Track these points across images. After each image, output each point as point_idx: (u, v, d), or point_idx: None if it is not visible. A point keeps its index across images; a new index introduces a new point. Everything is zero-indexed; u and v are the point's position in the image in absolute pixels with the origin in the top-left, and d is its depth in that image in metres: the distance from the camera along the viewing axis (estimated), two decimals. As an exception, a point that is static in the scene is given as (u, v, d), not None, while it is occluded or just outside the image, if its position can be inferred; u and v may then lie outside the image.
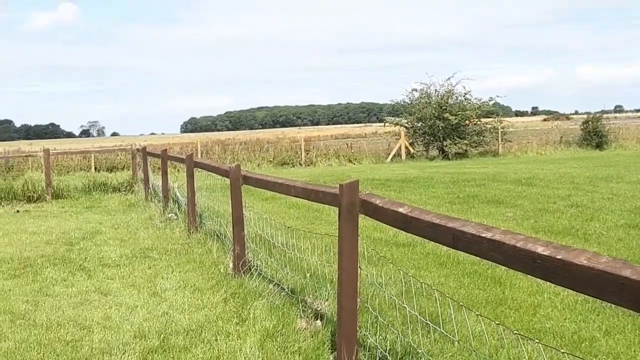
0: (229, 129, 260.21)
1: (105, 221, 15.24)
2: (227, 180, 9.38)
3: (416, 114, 39.00)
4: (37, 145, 57.76)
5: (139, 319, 7.25)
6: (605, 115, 53.29)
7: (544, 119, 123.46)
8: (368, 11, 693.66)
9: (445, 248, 9.12)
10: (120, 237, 12.74)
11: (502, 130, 39.36)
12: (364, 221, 5.33)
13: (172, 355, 6.05)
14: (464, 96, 38.65)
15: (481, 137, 38.75)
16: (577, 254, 2.88)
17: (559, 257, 2.93)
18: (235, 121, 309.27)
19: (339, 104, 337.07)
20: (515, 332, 4.77)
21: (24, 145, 68.73)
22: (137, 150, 23.37)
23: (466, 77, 42.76)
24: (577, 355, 5.37)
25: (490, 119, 39.71)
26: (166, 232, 12.95)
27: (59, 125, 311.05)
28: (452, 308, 5.86)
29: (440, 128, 37.42)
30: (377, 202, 4.97)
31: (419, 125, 39.11)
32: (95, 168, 35.91)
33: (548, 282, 3.20)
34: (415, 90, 40.04)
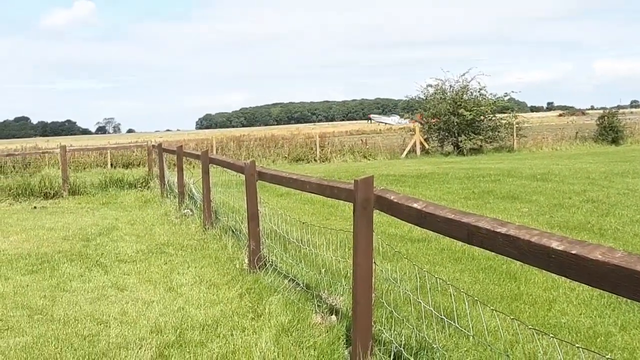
0: (244, 125, 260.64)
1: (121, 217, 15.32)
2: (242, 177, 9.41)
3: (431, 110, 38.93)
4: (53, 142, 58.05)
5: (155, 314, 7.29)
6: (621, 111, 53.11)
7: (560, 115, 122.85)
8: (384, 7, 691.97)
9: (460, 243, 9.09)
10: (136, 233, 12.81)
11: (517, 125, 39.20)
12: (378, 217, 5.34)
13: (188, 350, 6.08)
14: (478, 92, 38.57)
15: (496, 133, 38.63)
16: (592, 248, 2.88)
17: (573, 252, 2.93)
18: (250, 117, 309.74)
19: (354, 100, 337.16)
20: (530, 327, 4.77)
21: (41, 142, 69.09)
22: (153, 146, 23.47)
23: (481, 72, 42.67)
24: (592, 350, 5.36)
25: (505, 115, 39.55)
26: (182, 228, 13.01)
27: (75, 122, 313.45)
28: (467, 303, 5.86)
29: (455, 124, 37.34)
30: (392, 197, 4.97)
31: (434, 121, 39.03)
32: (112, 164, 36.04)
33: (563, 277, 3.20)
34: (430, 86, 40.01)
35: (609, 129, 40.73)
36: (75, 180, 22.05)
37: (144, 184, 21.97)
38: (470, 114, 36.88)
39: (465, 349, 5.58)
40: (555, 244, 3.05)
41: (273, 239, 9.31)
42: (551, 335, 4.51)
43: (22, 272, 9.71)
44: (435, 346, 5.24)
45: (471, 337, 5.41)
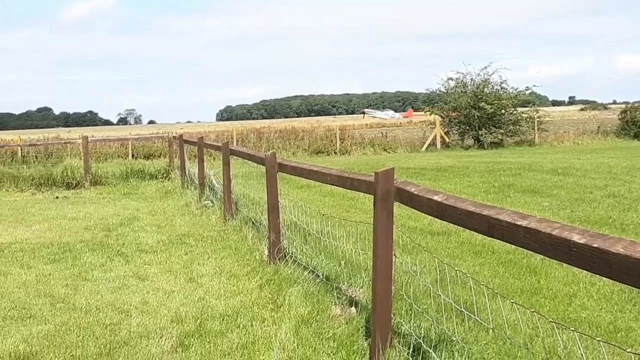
0: (264, 118, 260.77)
1: (142, 208, 15.42)
2: (263, 168, 9.44)
3: (451, 103, 38.80)
4: (75, 133, 58.40)
5: (176, 304, 7.35)
6: (643, 105, 52.51)
7: (581, 109, 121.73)
8: (405, 1, 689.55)
9: (480, 237, 9.09)
10: (157, 224, 12.89)
11: (538, 119, 38.98)
12: (398, 209, 5.35)
13: (208, 340, 6.12)
14: (500, 85, 38.42)
15: (517, 127, 38.45)
16: (614, 242, 2.87)
17: (595, 245, 2.92)
18: (271, 109, 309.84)
19: (374, 92, 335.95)
20: (551, 320, 4.76)
21: (63, 133, 69.45)
22: (174, 137, 23.56)
23: (502, 66, 42.31)
24: (613, 344, 5.34)
25: (527, 109, 39.37)
26: (202, 219, 13.08)
27: (97, 113, 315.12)
28: (486, 296, 5.85)
29: (476, 117, 37.20)
30: (413, 190, 4.98)
31: (454, 114, 38.90)
32: (133, 155, 36.24)
33: (584, 271, 3.20)
34: (451, 79, 39.87)
35: (632, 124, 40.36)
36: (97, 171, 22.25)
37: (164, 175, 22.09)
38: (491, 108, 36.73)
39: (484, 342, 5.58)
40: (576, 237, 3.04)
41: (293, 230, 9.34)
42: (572, 329, 4.50)
43: (44, 261, 9.81)
44: (454, 339, 5.24)
45: (491, 330, 5.40)
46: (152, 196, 17.99)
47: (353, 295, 6.84)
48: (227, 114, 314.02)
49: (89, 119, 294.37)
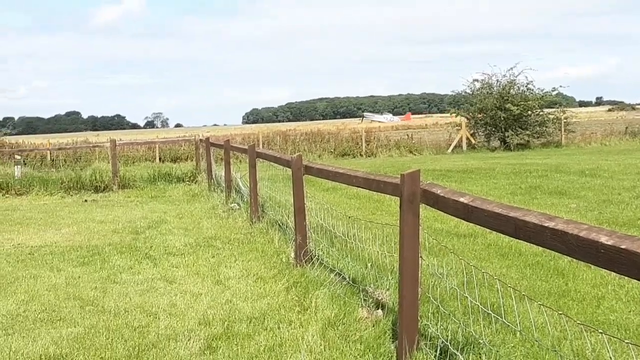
0: (290, 120, 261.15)
1: (169, 211, 15.53)
2: (289, 171, 9.46)
3: (477, 105, 38.65)
4: (103, 136, 58.96)
5: (204, 306, 7.39)
6: (673, 106, 51.88)
7: (609, 109, 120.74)
8: (430, 2, 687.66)
9: (507, 239, 9.05)
10: (184, 227, 12.97)
11: (565, 120, 38.69)
12: (424, 211, 5.34)
13: (235, 343, 6.15)
14: (526, 86, 38.24)
15: (544, 128, 38.21)
16: (642, 244, 2.86)
17: (623, 246, 2.91)
18: (296, 112, 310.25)
19: (400, 94, 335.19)
20: (579, 322, 4.73)
21: (92, 136, 70.14)
22: (201, 141, 23.69)
23: (529, 67, 42.10)
24: (641, 347, 5.30)
25: (553, 110, 39.10)
26: (229, 222, 13.14)
27: (124, 117, 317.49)
28: (514, 299, 5.83)
29: (502, 119, 37.03)
30: (439, 191, 4.98)
31: (480, 116, 38.74)
32: (160, 158, 36.52)
33: (612, 273, 3.18)
34: (477, 80, 39.76)
35: (661, 124, 39.95)
36: (125, 174, 22.42)
37: (191, 178, 22.20)
38: (518, 109, 36.55)
39: (512, 344, 5.56)
40: (604, 239, 3.03)
41: (319, 233, 9.35)
42: (600, 331, 4.47)
43: (73, 264, 9.92)
44: (482, 341, 5.23)
45: (518, 332, 5.38)
46: (179, 199, 18.10)
47: (380, 298, 6.84)
48: (253, 117, 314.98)
49: (116, 123, 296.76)
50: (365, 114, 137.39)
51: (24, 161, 26.95)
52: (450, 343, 5.30)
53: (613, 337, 5.26)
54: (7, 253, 10.89)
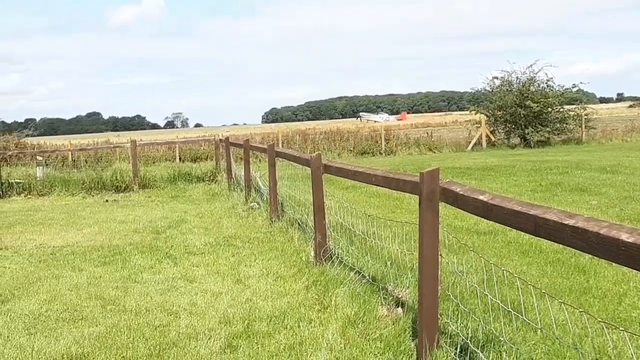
0: (309, 119, 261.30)
1: (190, 210, 15.60)
2: (308, 170, 9.47)
3: (497, 102, 38.47)
4: (124, 137, 59.24)
5: (224, 305, 7.42)
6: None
7: (630, 105, 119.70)
8: (449, 0, 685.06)
9: (527, 236, 9.00)
10: (204, 226, 13.03)
11: (585, 117, 38.40)
12: (444, 209, 5.34)
13: (256, 341, 6.17)
14: (546, 83, 37.96)
15: (564, 125, 37.93)
16: (663, 240, 2.84)
17: (643, 244, 2.89)
18: (316, 111, 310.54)
19: (419, 92, 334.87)
20: (600, 320, 4.71)
21: (112, 137, 70.52)
22: (220, 140, 23.75)
23: (548, 63, 41.70)
24: (664, 345, 5.27)
25: (574, 106, 38.80)
26: (249, 221, 13.17)
27: (144, 117, 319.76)
28: (534, 296, 5.81)
29: (522, 116, 36.83)
30: (458, 190, 4.97)
31: (500, 113, 38.56)
32: (180, 158, 36.63)
33: (634, 270, 3.16)
34: (497, 78, 39.50)
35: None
36: (145, 174, 22.53)
37: (211, 177, 22.29)
38: (538, 106, 36.32)
39: (533, 342, 5.54)
40: (624, 236, 3.01)
41: (339, 231, 9.36)
42: (622, 328, 4.45)
43: (95, 264, 9.99)
44: (502, 339, 5.22)
45: (539, 330, 5.36)
46: (199, 199, 18.17)
47: (399, 296, 6.84)
48: (273, 116, 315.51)
49: (137, 123, 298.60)
50: (361, 113, 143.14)
51: (45, 162, 27.15)
52: (470, 341, 5.29)
53: (635, 334, 5.23)
54: (29, 253, 10.99)
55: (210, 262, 9.71)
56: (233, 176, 19.51)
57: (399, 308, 6.56)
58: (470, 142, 38.15)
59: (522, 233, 4.20)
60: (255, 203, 14.89)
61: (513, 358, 5.08)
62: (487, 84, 40.27)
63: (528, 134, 36.94)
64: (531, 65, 37.99)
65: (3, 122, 46.63)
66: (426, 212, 5.23)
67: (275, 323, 6.67)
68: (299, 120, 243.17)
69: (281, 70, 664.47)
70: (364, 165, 8.26)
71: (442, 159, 29.31)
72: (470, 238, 10.12)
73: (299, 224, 11.35)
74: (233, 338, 6.30)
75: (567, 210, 3.73)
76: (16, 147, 34.76)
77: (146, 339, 6.40)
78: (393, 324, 6.22)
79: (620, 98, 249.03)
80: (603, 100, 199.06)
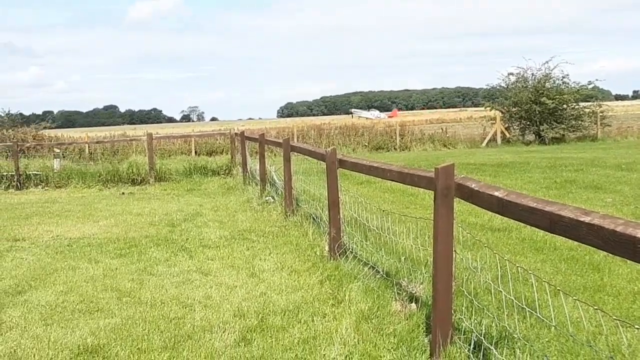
0: (324, 114, 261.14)
1: (205, 204, 15.65)
2: (323, 164, 9.49)
3: (512, 98, 38.35)
4: (140, 130, 59.44)
5: (238, 298, 7.46)
6: None
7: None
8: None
9: (541, 233, 9.00)
10: (219, 219, 13.07)
11: (601, 114, 38.20)
12: (458, 205, 5.34)
13: (270, 335, 6.20)
14: (561, 80, 37.83)
15: (579, 122, 37.75)
16: (678, 239, 2.84)
17: (659, 242, 2.89)
18: (331, 106, 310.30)
19: (434, 88, 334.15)
20: (615, 318, 4.70)
21: (129, 130, 70.74)
22: (236, 134, 23.79)
23: (564, 60, 41.46)
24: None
25: (589, 103, 38.63)
26: (264, 215, 13.21)
27: (161, 111, 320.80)
28: (548, 293, 5.81)
29: (537, 112, 36.71)
30: (473, 185, 4.97)
31: (515, 109, 38.43)
32: (196, 152, 36.74)
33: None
34: (512, 74, 39.44)
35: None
36: (161, 167, 22.62)
37: (227, 171, 22.34)
38: (553, 103, 36.21)
39: (546, 339, 5.55)
40: (641, 234, 3.01)
41: (353, 226, 9.37)
42: (636, 326, 4.45)
43: (111, 256, 10.06)
44: (516, 336, 5.23)
45: (553, 327, 5.36)
46: (214, 192, 18.24)
47: (413, 291, 6.85)
48: (288, 111, 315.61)
49: (153, 117, 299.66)
50: (353, 110, 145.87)
51: (63, 154, 27.37)
52: (484, 337, 5.30)
53: (649, 332, 5.22)
54: (46, 245, 11.08)
55: (225, 256, 9.75)
56: (248, 170, 19.56)
57: (413, 303, 6.57)
58: (485, 139, 38.07)
59: (537, 230, 4.21)
60: (270, 197, 14.92)
61: (527, 355, 5.08)
62: (503, 80, 40.25)
63: (543, 130, 36.81)
64: (547, 62, 37.94)
65: (21, 114, 46.59)
66: (441, 207, 5.24)
67: (289, 317, 6.70)
68: (314, 115, 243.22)
69: (297, 65, 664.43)
70: (378, 160, 8.26)
71: (457, 155, 29.25)
72: (485, 234, 10.11)
73: (313, 219, 11.37)
74: (247, 331, 6.33)
75: (583, 208, 3.73)
76: (34, 139, 34.96)
77: (161, 331, 6.45)
78: (407, 320, 6.24)
79: (636, 95, 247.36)
80: (619, 98, 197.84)
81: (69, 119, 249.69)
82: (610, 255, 4.10)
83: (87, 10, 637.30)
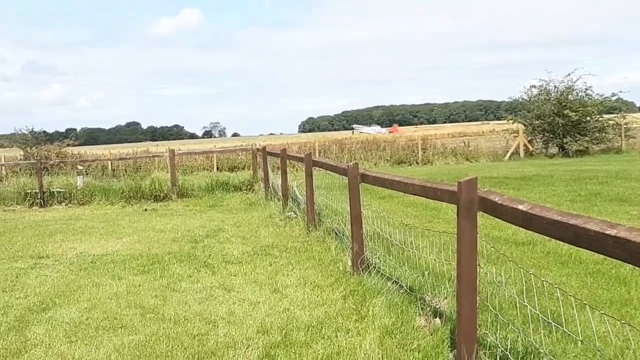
0: (345, 129, 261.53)
1: (227, 219, 15.68)
2: (345, 179, 9.48)
3: (535, 111, 38.19)
4: (162, 146, 59.79)
5: (262, 314, 7.44)
6: None
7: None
8: (487, 10, 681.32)
9: (566, 247, 8.92)
10: (242, 235, 13.09)
11: (625, 126, 37.94)
12: (481, 219, 5.31)
13: (293, 351, 6.18)
14: (584, 92, 37.65)
15: (603, 134, 37.51)
16: None
17: (686, 255, 2.85)
18: (352, 120, 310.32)
19: (456, 102, 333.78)
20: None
21: (151, 147, 71.19)
22: (257, 150, 23.83)
23: (587, 72, 41.23)
24: None
25: (613, 115, 38.37)
26: (286, 230, 13.21)
27: (182, 127, 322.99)
28: (574, 307, 5.75)
29: (560, 125, 36.52)
30: (497, 199, 4.94)
31: (538, 122, 38.24)
32: (218, 168, 36.87)
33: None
34: (534, 87, 39.30)
35: None
36: (184, 183, 22.71)
37: (248, 186, 22.37)
38: (576, 115, 36.01)
39: (573, 354, 5.48)
40: (667, 247, 2.97)
41: (376, 241, 9.34)
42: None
43: (134, 272, 10.09)
44: (542, 351, 5.17)
45: (580, 342, 5.30)
46: (236, 208, 18.27)
47: (437, 306, 6.81)
48: (309, 126, 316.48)
49: (175, 133, 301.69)
50: (354, 126, 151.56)
51: (86, 171, 27.53)
52: (509, 352, 5.25)
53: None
54: (70, 262, 11.14)
55: (247, 272, 9.75)
56: (270, 185, 19.59)
57: (437, 318, 6.53)
58: (507, 152, 37.92)
59: (561, 243, 4.17)
60: (292, 212, 14.92)
61: (553, 370, 5.03)
62: (525, 93, 40.09)
63: (566, 143, 36.61)
64: (569, 74, 37.75)
65: (45, 131, 46.98)
66: (464, 221, 5.21)
67: (312, 333, 6.68)
68: (335, 130, 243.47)
69: (318, 80, 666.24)
70: (401, 175, 8.24)
71: (479, 169, 29.12)
72: (509, 248, 10.04)
73: (335, 234, 11.35)
74: (271, 347, 6.31)
75: (608, 220, 3.69)
76: (57, 156, 35.24)
77: (185, 347, 6.45)
78: (431, 335, 6.19)
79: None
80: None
81: (92, 136, 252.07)
82: (636, 268, 4.05)
83: (110, 28, 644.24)
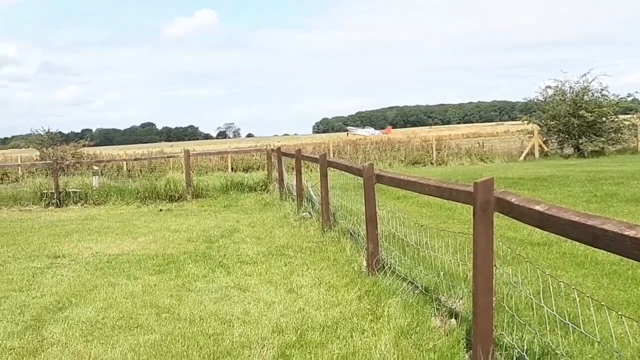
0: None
1: (242, 220, 15.71)
2: (360, 180, 9.48)
3: (550, 112, 38.03)
4: (177, 147, 60.01)
5: (277, 314, 7.45)
6: None
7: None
8: (501, 11, 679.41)
9: (582, 247, 8.88)
10: (256, 235, 13.11)
11: (641, 126, 37.75)
12: (496, 220, 5.29)
13: (309, 351, 6.18)
14: (600, 92, 37.46)
15: (619, 134, 37.34)
16: None
17: None
18: (366, 121, 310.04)
19: (470, 102, 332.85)
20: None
21: (166, 147, 71.42)
22: (272, 150, 23.88)
23: (603, 73, 41.13)
24: None
25: (629, 116, 38.21)
26: (301, 231, 13.22)
27: (197, 127, 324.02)
28: (591, 308, 5.72)
29: (575, 125, 36.38)
30: (513, 200, 4.92)
31: (553, 123, 38.09)
32: (232, 168, 36.92)
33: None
34: (549, 87, 39.12)
35: None
36: (198, 184, 22.77)
37: (263, 187, 22.39)
38: (592, 115, 35.85)
39: (590, 355, 5.46)
40: (686, 248, 2.96)
41: (391, 241, 9.33)
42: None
43: (150, 272, 10.13)
44: (558, 352, 5.15)
45: (597, 343, 5.28)
46: (251, 208, 18.30)
47: (453, 307, 6.79)
48: (324, 126, 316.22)
49: (189, 134, 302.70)
50: (348, 128, 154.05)
51: (101, 172, 27.63)
52: (526, 353, 5.23)
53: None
54: (86, 261, 11.20)
55: (262, 272, 9.76)
56: (285, 186, 19.61)
57: (453, 319, 6.51)
58: (522, 152, 37.80)
59: (577, 244, 4.16)
60: (307, 213, 14.93)
61: (570, 371, 5.01)
62: (540, 93, 39.91)
63: (582, 144, 36.45)
64: (585, 75, 37.58)
65: (61, 132, 47.20)
66: (480, 222, 5.19)
67: (327, 333, 6.68)
68: (349, 130, 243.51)
69: (332, 81, 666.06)
70: (416, 175, 8.23)
71: (494, 169, 29.05)
72: (524, 249, 10.00)
73: (350, 234, 11.35)
74: (286, 347, 6.31)
75: (626, 221, 3.67)
76: (73, 157, 35.40)
77: (200, 347, 6.46)
78: (446, 335, 6.18)
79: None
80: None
81: (107, 137, 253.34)
82: (654, 269, 4.03)
83: (124, 28, 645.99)
